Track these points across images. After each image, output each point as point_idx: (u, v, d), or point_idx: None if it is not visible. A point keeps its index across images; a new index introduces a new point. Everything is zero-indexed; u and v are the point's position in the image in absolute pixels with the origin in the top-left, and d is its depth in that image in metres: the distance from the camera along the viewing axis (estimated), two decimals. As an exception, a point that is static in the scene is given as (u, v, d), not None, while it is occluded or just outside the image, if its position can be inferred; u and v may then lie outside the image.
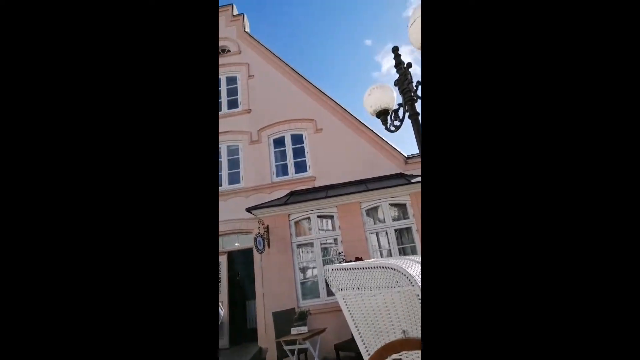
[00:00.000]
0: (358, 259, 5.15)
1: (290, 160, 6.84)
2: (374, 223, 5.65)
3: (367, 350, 1.31)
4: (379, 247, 5.55)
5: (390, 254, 5.34)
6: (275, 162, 6.90)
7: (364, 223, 5.57)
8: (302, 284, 5.53)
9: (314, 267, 5.61)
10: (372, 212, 5.73)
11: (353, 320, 1.31)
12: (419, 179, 5.68)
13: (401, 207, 5.61)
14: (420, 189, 5.44)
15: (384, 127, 2.60)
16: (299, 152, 6.90)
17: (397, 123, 2.53)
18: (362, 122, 6.74)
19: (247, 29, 8.30)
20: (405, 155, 6.34)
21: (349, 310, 1.32)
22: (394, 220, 5.55)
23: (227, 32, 8.17)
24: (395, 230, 5.48)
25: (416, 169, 6.18)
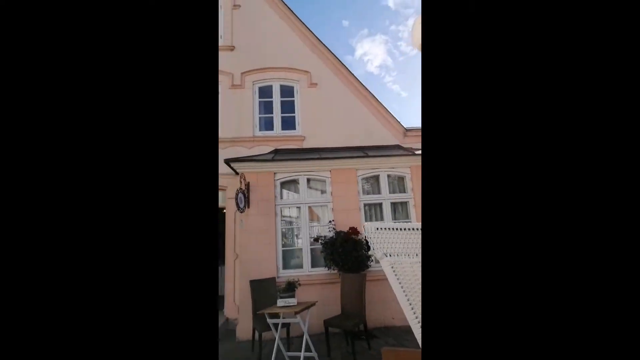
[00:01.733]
0: (353, 229, 4.71)
1: (277, 114, 5.99)
2: (369, 193, 5.22)
3: (425, 332, 1.09)
4: (371, 220, 5.17)
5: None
6: (259, 113, 5.98)
7: (359, 192, 5.11)
8: (284, 252, 4.93)
9: (288, 237, 5.00)
10: (367, 181, 5.28)
11: (404, 292, 1.09)
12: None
13: (399, 180, 5.26)
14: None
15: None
16: (287, 107, 6.07)
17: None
18: (363, 84, 6.14)
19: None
20: (405, 127, 5.97)
21: (399, 281, 1.09)
22: (390, 193, 5.19)
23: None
24: (391, 204, 5.14)
25: (415, 143, 5.87)
